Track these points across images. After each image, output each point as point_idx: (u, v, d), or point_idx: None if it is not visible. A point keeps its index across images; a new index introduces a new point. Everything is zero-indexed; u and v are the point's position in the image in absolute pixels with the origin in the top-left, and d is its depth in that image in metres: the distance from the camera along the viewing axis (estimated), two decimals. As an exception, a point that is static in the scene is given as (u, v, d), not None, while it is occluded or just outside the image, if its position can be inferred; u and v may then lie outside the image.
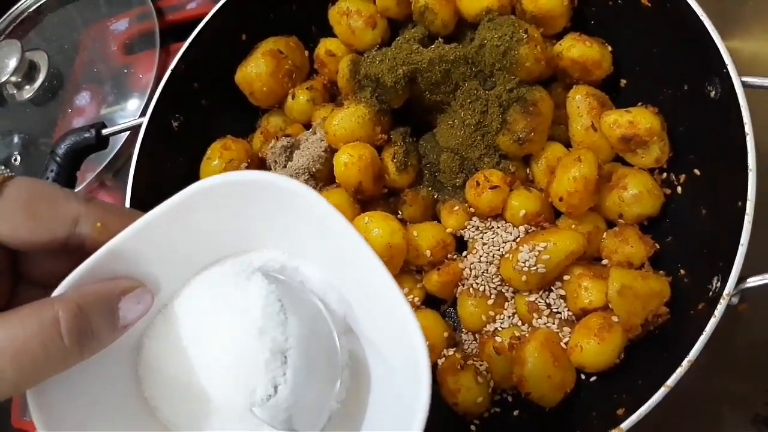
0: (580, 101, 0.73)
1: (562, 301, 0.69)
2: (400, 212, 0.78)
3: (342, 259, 0.42)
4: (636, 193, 0.69)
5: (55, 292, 0.38)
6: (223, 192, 0.41)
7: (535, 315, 0.69)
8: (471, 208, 0.74)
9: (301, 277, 0.45)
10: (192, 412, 0.42)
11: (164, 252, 0.42)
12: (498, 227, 0.72)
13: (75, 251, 0.40)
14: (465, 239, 0.74)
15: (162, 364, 0.43)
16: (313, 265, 0.45)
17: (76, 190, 0.90)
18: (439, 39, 0.76)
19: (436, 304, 0.75)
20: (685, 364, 0.55)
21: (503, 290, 0.71)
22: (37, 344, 0.34)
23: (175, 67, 0.82)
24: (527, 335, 0.67)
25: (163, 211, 0.41)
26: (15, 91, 1.08)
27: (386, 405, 0.42)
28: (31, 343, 0.34)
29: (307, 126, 0.83)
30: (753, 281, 0.57)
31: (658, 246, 0.69)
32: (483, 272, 0.70)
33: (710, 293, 0.59)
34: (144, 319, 0.41)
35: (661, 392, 0.55)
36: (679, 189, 0.70)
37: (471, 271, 0.71)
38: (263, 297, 0.41)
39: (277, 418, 0.40)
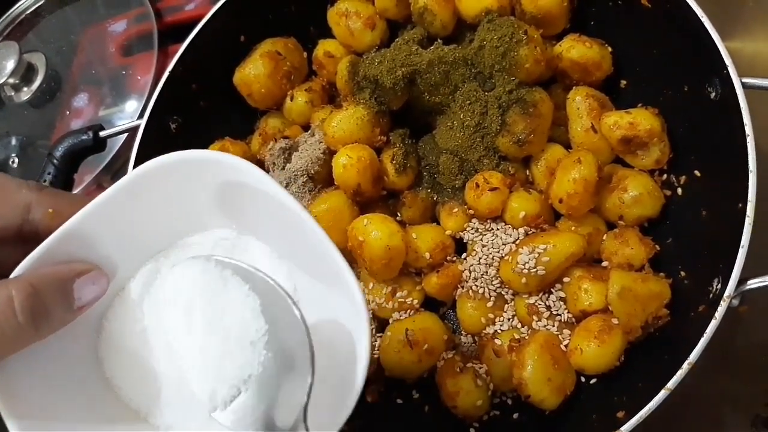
0: (580, 102, 0.73)
1: (561, 303, 0.68)
2: (399, 214, 0.77)
3: (288, 231, 0.43)
4: (636, 194, 0.68)
5: (12, 275, 0.39)
6: (169, 172, 0.42)
7: (534, 317, 0.68)
8: (470, 210, 0.73)
9: (251, 254, 0.46)
10: (151, 390, 0.44)
11: (119, 235, 0.43)
12: (497, 229, 0.72)
13: (30, 240, 0.41)
14: (464, 241, 0.74)
15: (121, 344, 0.44)
16: (261, 240, 0.46)
17: (74, 192, 0.90)
18: (439, 40, 0.76)
19: (436, 306, 0.75)
20: (686, 366, 0.55)
21: (503, 292, 0.71)
22: None
23: (174, 68, 0.82)
24: (527, 338, 0.66)
25: (113, 194, 0.42)
26: (13, 93, 1.08)
27: (330, 373, 0.42)
28: None
29: (306, 128, 0.83)
30: (753, 283, 0.57)
31: (658, 248, 0.68)
32: (482, 274, 0.70)
33: (711, 295, 0.59)
34: (102, 302, 0.43)
35: (662, 395, 0.55)
36: (679, 190, 0.70)
37: (470, 273, 0.71)
38: (229, 283, 0.41)
39: (246, 420, 0.40)
